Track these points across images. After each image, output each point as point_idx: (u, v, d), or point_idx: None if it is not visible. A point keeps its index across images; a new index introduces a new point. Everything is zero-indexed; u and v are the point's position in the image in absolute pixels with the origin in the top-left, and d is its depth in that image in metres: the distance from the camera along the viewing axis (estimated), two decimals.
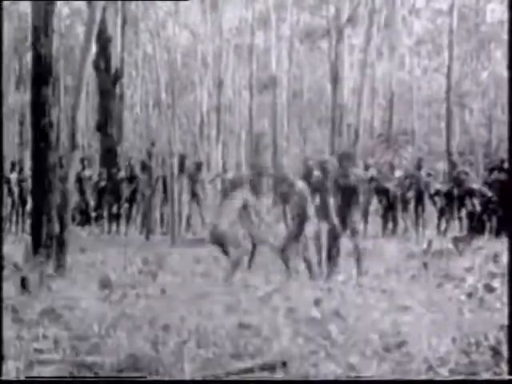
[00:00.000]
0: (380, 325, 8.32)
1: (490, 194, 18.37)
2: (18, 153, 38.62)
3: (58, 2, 14.77)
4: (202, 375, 6.63)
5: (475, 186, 18.76)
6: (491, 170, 19.00)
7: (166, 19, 38.66)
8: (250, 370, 6.78)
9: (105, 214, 21.04)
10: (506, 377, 6.48)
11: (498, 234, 18.08)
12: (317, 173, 13.15)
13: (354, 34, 40.86)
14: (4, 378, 6.54)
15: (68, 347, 7.34)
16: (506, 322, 7.31)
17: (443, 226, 19.12)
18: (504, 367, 6.60)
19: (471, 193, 18.66)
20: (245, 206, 11.20)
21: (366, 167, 20.27)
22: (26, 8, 31.49)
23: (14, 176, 20.17)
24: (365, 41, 33.84)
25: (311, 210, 11.62)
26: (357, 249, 11.89)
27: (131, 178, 20.92)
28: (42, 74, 12.31)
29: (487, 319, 8.37)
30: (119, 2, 29.45)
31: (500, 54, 40.97)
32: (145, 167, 21.37)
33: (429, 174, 19.42)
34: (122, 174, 21.05)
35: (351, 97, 37.80)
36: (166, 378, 6.65)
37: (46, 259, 11.61)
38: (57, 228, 12.00)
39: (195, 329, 8.17)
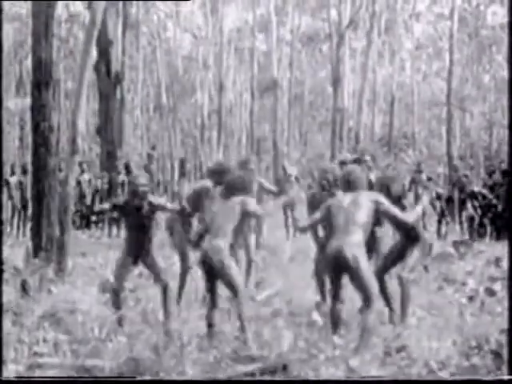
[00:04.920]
0: (381, 328, 8.31)
1: (490, 196, 18.35)
2: (19, 157, 38.62)
3: (59, 6, 14.73)
4: (202, 378, 6.63)
5: (476, 188, 18.75)
6: (492, 173, 18.97)
7: (166, 22, 38.75)
8: (251, 374, 6.78)
9: (105, 217, 21.02)
10: (506, 377, 6.48)
11: (498, 237, 18.07)
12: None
13: (355, 37, 40.92)
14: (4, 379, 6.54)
15: (68, 351, 7.33)
16: (506, 325, 7.30)
17: (444, 229, 19.10)
18: (505, 371, 6.59)
19: (472, 196, 18.65)
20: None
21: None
22: (27, 11, 31.53)
23: (14, 179, 20.16)
24: (366, 44, 33.93)
25: None
26: None
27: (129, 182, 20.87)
28: (42, 78, 12.30)
29: (488, 323, 8.36)
30: (120, 5, 29.43)
31: (501, 58, 40.98)
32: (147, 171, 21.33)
33: (429, 178, 19.40)
34: (122, 177, 21.01)
35: (352, 100, 37.86)
36: (166, 378, 6.66)
37: (47, 263, 11.59)
38: (57, 231, 11.99)
39: (196, 332, 8.17)
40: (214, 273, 7.70)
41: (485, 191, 18.51)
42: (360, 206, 7.75)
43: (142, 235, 8.62)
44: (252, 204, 7.89)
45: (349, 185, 7.99)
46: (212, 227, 7.84)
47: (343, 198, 7.91)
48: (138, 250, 8.62)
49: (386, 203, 7.89)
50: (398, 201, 8.65)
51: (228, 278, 7.67)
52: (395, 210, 7.95)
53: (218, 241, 7.71)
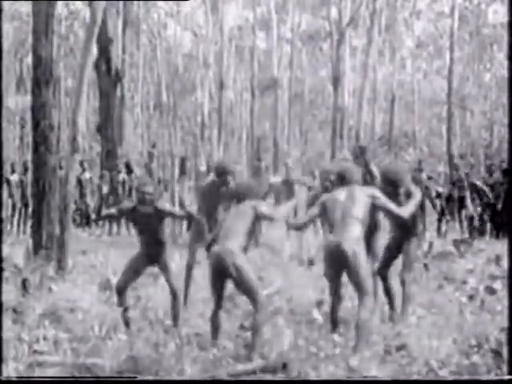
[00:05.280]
0: (381, 327, 8.32)
1: (490, 195, 18.37)
2: (19, 155, 38.60)
3: (59, 4, 14.73)
4: (202, 377, 6.63)
5: (478, 182, 18.78)
6: (492, 172, 18.97)
7: (167, 21, 38.73)
8: (252, 372, 6.78)
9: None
10: (506, 377, 6.48)
11: (498, 235, 18.11)
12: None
13: (355, 35, 40.88)
14: (4, 378, 6.54)
15: (68, 349, 7.33)
16: (506, 324, 7.31)
17: (444, 228, 19.11)
18: (505, 369, 6.59)
19: (472, 188, 18.66)
20: None
21: None
22: (27, 9, 31.50)
23: (14, 178, 20.17)
24: (366, 43, 33.90)
25: None
26: None
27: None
28: (42, 76, 12.30)
29: (488, 321, 8.37)
30: (120, 3, 29.43)
31: (502, 56, 40.95)
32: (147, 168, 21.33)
33: (429, 177, 19.39)
34: (122, 175, 21.02)
35: (352, 99, 37.80)
36: (166, 377, 6.67)
37: (47, 261, 11.59)
38: (57, 229, 11.99)
39: (196, 331, 8.18)
40: (224, 275, 7.45)
41: (485, 188, 18.52)
42: (356, 200, 7.75)
43: (152, 239, 8.58)
44: (266, 208, 7.76)
45: (344, 180, 7.99)
46: (223, 229, 7.67)
47: (339, 194, 7.89)
48: (150, 251, 8.60)
49: (381, 198, 7.90)
50: (407, 196, 8.70)
51: (245, 284, 7.39)
52: (390, 205, 7.96)
53: (229, 242, 7.46)
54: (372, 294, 7.72)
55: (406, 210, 8.14)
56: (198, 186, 10.52)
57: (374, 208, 7.98)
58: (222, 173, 9.81)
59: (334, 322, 7.84)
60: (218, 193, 9.91)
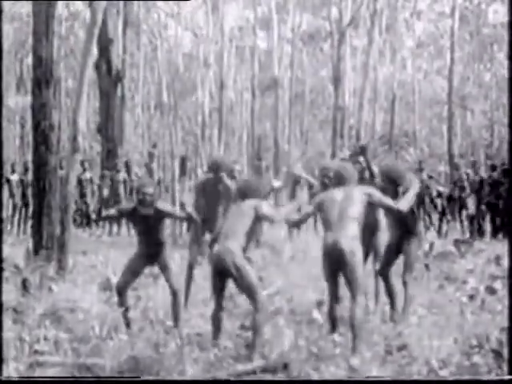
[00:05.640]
0: (382, 327, 8.31)
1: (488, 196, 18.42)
2: (20, 155, 38.61)
3: (59, 4, 14.71)
4: (203, 377, 6.63)
5: (485, 175, 18.88)
6: (492, 172, 18.96)
7: (167, 21, 38.72)
8: (252, 372, 6.78)
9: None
10: (507, 377, 6.48)
11: (496, 235, 18.12)
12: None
13: (356, 35, 40.89)
14: (4, 378, 6.54)
15: (69, 349, 7.33)
16: (507, 323, 7.30)
17: (444, 228, 19.11)
18: (506, 369, 6.59)
19: (474, 188, 18.70)
20: None
21: None
22: (27, 10, 31.49)
23: (15, 178, 20.17)
24: (367, 43, 33.90)
25: None
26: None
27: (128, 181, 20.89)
28: (42, 76, 12.29)
29: (488, 321, 8.36)
30: (121, 4, 29.42)
31: (502, 56, 40.95)
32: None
33: (430, 177, 19.39)
34: (123, 175, 21.01)
35: (353, 99, 37.80)
36: (167, 378, 6.67)
37: (47, 261, 11.58)
38: (58, 230, 11.98)
39: (197, 331, 8.18)
40: (225, 275, 7.46)
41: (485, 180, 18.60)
42: (353, 200, 7.75)
43: (152, 239, 8.55)
44: (267, 208, 7.72)
45: (341, 179, 7.99)
46: (223, 229, 7.68)
47: (336, 193, 7.89)
48: (149, 251, 8.57)
49: (377, 195, 7.90)
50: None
51: (246, 284, 7.39)
52: (387, 200, 7.96)
53: (229, 243, 7.46)
54: (363, 292, 7.73)
55: (404, 203, 8.12)
56: (195, 183, 10.50)
57: (374, 207, 7.98)
58: (216, 169, 9.80)
59: (333, 322, 7.83)
60: (214, 190, 9.89)
